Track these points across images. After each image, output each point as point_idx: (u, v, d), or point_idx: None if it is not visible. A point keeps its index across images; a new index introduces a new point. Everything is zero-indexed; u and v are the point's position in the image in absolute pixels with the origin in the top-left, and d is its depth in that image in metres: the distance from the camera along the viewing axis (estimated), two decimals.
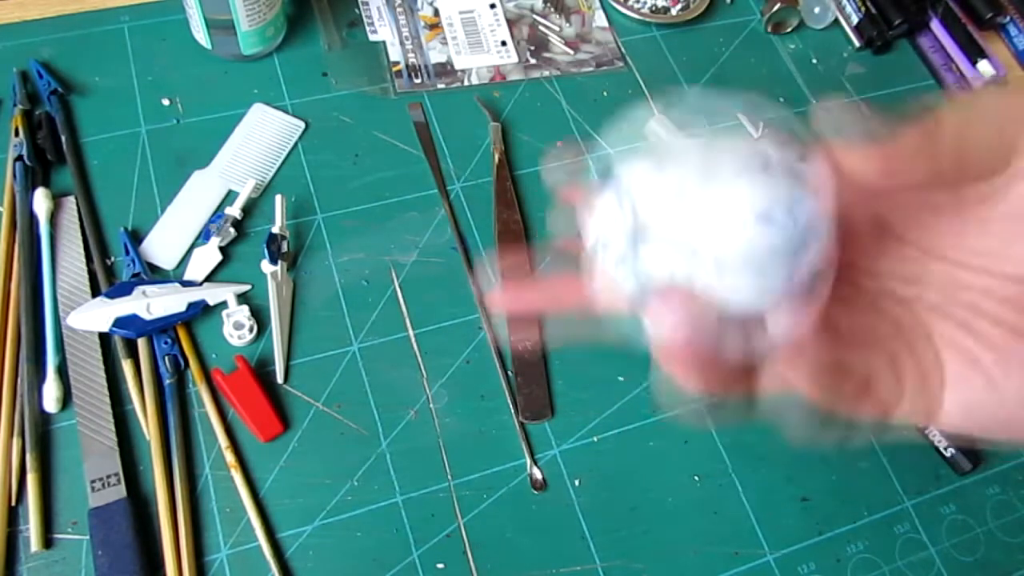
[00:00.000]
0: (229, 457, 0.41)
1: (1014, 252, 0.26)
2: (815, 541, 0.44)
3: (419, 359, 0.46)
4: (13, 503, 0.39)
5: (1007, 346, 0.27)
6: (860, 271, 0.30)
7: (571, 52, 0.58)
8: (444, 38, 0.57)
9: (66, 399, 0.42)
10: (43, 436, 0.41)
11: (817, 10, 0.61)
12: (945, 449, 0.46)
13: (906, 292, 0.30)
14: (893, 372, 0.28)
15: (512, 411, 0.45)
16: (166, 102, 0.51)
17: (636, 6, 0.60)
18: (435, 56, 0.56)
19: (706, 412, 0.46)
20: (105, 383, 0.42)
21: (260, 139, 0.51)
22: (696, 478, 0.44)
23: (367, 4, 0.58)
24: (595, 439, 0.45)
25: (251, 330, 0.44)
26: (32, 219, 0.45)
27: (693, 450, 0.45)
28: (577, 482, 0.44)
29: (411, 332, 0.46)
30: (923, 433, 0.46)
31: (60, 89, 0.50)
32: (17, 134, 0.47)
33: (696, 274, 0.23)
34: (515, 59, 0.57)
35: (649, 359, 0.45)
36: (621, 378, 0.46)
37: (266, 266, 0.46)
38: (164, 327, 0.43)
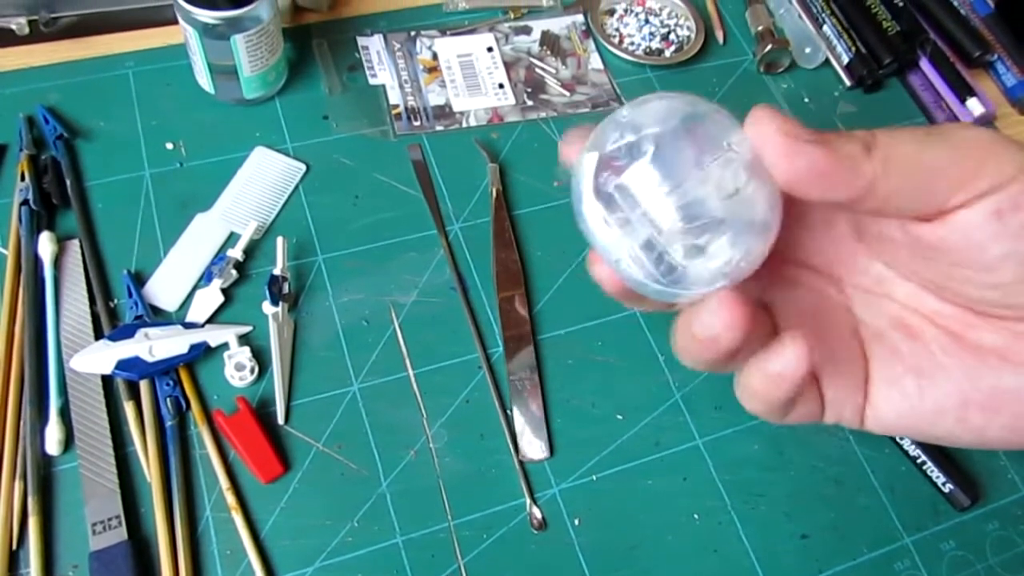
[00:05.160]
0: (230, 499, 0.41)
1: (958, 288, 0.28)
2: None
3: (419, 399, 0.46)
4: (14, 547, 0.39)
5: (928, 374, 0.30)
6: (831, 277, 0.32)
7: (567, 94, 0.59)
8: (443, 81, 0.58)
9: (68, 442, 0.42)
10: (45, 479, 0.41)
11: (808, 50, 0.63)
12: (943, 485, 0.46)
13: (865, 307, 0.31)
14: (836, 371, 0.31)
15: (511, 450, 0.45)
16: (169, 146, 0.52)
17: (630, 48, 0.62)
18: (434, 99, 0.57)
19: None
20: (107, 425, 0.42)
21: (262, 182, 0.52)
22: (695, 516, 0.45)
23: (367, 49, 0.59)
24: (594, 478, 0.45)
25: (252, 371, 0.45)
26: (37, 263, 0.46)
27: (692, 488, 0.45)
28: (577, 521, 0.44)
29: (411, 372, 0.47)
30: (920, 468, 0.47)
31: (66, 134, 0.51)
32: (23, 179, 0.48)
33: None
34: (512, 101, 0.58)
35: (646, 398, 0.45)
36: (619, 416, 0.47)
37: (267, 307, 0.46)
38: (166, 369, 0.44)
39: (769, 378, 0.27)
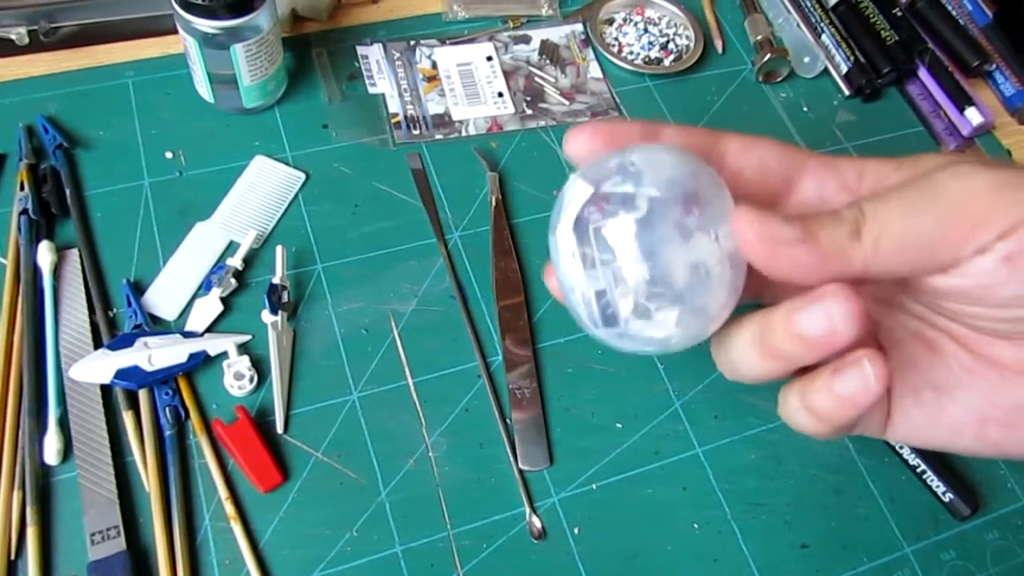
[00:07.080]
0: (229, 508, 0.41)
1: (972, 321, 0.28)
2: None
3: (418, 407, 0.46)
4: (13, 557, 0.39)
5: (947, 390, 0.30)
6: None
7: (567, 102, 0.59)
8: (442, 90, 0.58)
9: (67, 451, 0.42)
10: (43, 489, 0.41)
11: (807, 60, 0.63)
12: (943, 494, 0.46)
13: (883, 315, 0.31)
14: None
15: (511, 459, 0.45)
16: (169, 155, 0.52)
17: (630, 57, 0.62)
18: (433, 108, 0.57)
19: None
20: (106, 435, 0.42)
21: (261, 191, 0.52)
22: (695, 525, 0.44)
23: (366, 58, 0.59)
24: (594, 486, 0.45)
25: (251, 380, 0.45)
26: (36, 272, 0.46)
27: (692, 497, 0.45)
28: (576, 530, 0.44)
29: (410, 380, 0.47)
30: (919, 477, 0.46)
31: (65, 143, 0.51)
32: (22, 188, 0.48)
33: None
34: (512, 110, 0.58)
35: (646, 406, 0.45)
36: (619, 425, 0.47)
37: (267, 316, 0.46)
38: (165, 378, 0.44)
39: (841, 399, 0.26)
